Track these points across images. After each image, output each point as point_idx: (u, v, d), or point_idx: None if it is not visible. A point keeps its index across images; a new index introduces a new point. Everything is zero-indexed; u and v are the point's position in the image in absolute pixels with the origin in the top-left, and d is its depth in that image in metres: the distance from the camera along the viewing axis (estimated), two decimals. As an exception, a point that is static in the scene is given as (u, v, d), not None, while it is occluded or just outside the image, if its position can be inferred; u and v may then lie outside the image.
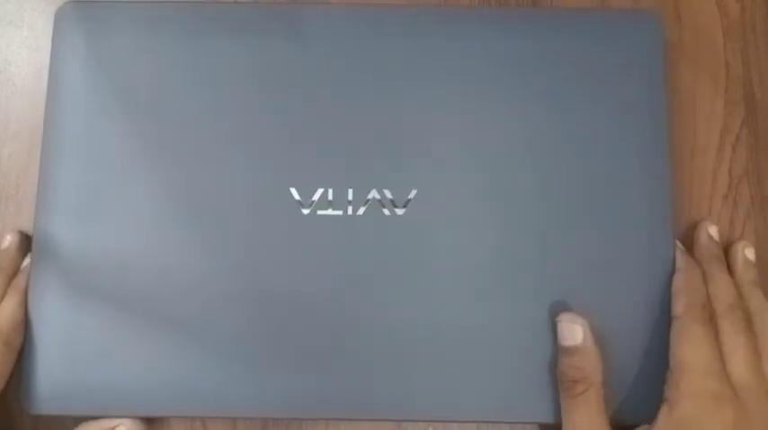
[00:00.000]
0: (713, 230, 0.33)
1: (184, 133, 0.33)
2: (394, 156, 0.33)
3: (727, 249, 0.33)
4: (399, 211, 0.32)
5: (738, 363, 0.29)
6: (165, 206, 0.32)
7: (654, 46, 0.34)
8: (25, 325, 0.31)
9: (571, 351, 0.30)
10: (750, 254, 0.33)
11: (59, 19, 0.34)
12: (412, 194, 0.32)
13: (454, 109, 0.33)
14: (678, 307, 0.31)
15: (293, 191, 0.32)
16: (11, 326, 0.30)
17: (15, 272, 0.32)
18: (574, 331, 0.30)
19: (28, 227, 0.33)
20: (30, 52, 0.37)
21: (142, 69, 0.34)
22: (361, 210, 0.32)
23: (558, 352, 0.31)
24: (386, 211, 0.32)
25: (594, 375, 0.29)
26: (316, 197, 0.32)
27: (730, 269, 0.33)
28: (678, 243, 0.32)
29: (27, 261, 0.33)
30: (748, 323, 0.30)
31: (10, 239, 0.33)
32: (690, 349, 0.29)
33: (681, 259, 0.32)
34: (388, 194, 0.32)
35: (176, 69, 0.34)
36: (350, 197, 0.32)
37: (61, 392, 0.31)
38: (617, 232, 0.32)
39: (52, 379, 0.30)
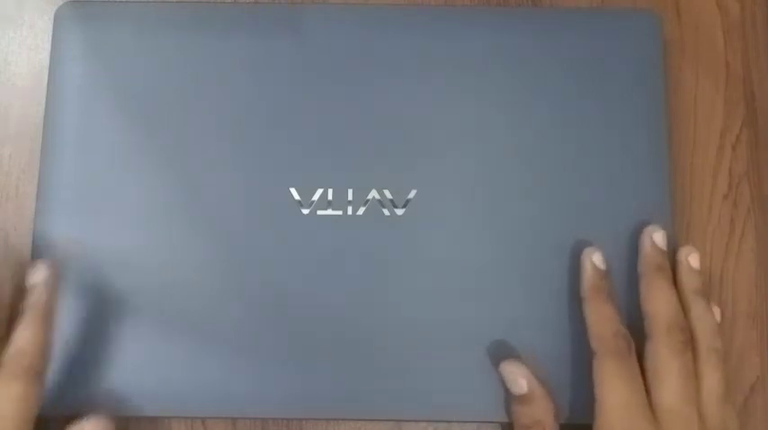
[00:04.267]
0: (659, 237, 0.31)
1: (184, 133, 0.33)
2: (394, 156, 0.33)
3: (672, 256, 0.32)
4: (399, 211, 0.32)
5: (669, 391, 0.28)
6: (165, 206, 0.32)
7: (654, 46, 0.34)
8: (50, 350, 0.29)
9: (519, 399, 0.29)
10: (694, 261, 0.31)
11: (59, 19, 0.34)
12: (412, 194, 0.32)
13: (454, 108, 0.33)
14: (591, 342, 0.29)
15: (293, 191, 0.32)
16: (35, 352, 0.28)
17: (51, 308, 0.30)
18: (518, 382, 0.29)
19: (28, 226, 0.33)
20: (30, 52, 0.37)
21: (142, 69, 0.34)
22: (361, 210, 0.32)
23: (508, 396, 0.30)
24: (386, 211, 0.32)
25: (546, 417, 0.29)
26: (316, 197, 0.32)
27: (674, 278, 0.31)
28: (587, 256, 0.30)
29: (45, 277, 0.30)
30: (686, 345, 0.29)
31: (44, 275, 0.30)
32: (604, 388, 0.28)
33: (584, 288, 0.30)
34: (387, 194, 0.32)
35: (176, 69, 0.34)
36: (350, 197, 0.32)
37: (60, 392, 0.30)
38: (617, 233, 0.32)
39: (51, 379, 0.30)
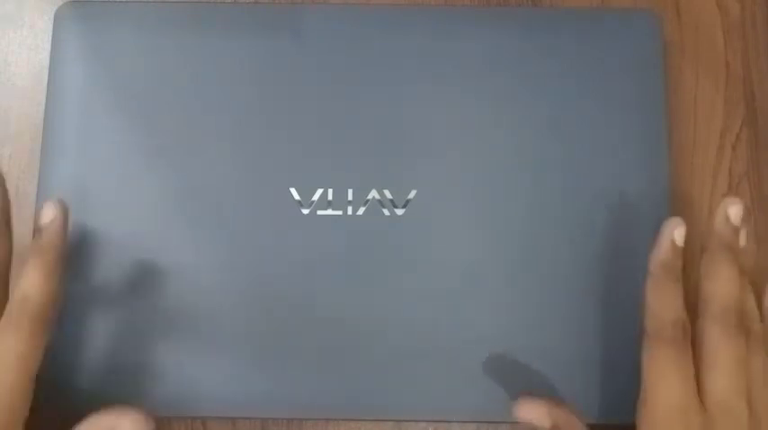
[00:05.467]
0: (734, 211, 0.28)
1: (184, 133, 0.33)
2: (394, 156, 0.33)
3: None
4: (399, 211, 0.32)
5: (720, 380, 0.26)
6: (165, 206, 0.32)
7: (654, 46, 0.34)
8: (59, 299, 0.27)
9: None
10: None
11: (59, 19, 0.34)
12: (412, 194, 0.32)
13: (454, 109, 0.33)
14: (647, 323, 0.28)
15: (293, 191, 0.32)
16: (42, 299, 0.27)
17: (61, 254, 0.28)
18: (541, 423, 0.28)
19: (28, 227, 0.33)
20: (30, 52, 0.37)
21: (142, 69, 0.34)
22: (361, 210, 0.32)
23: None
24: (386, 211, 0.32)
25: None
26: (316, 197, 0.32)
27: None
28: (669, 228, 0.28)
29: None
30: (740, 330, 0.27)
31: (53, 215, 0.28)
32: (656, 378, 0.27)
33: (655, 262, 0.28)
34: (387, 194, 0.32)
35: (176, 69, 0.34)
36: (350, 197, 0.32)
37: (59, 393, 0.30)
38: (617, 233, 0.32)
39: (51, 379, 0.30)
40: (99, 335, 0.31)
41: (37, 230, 0.28)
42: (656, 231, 0.31)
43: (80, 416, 0.31)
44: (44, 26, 0.37)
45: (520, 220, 0.32)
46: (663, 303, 0.28)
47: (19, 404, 0.26)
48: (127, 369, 0.31)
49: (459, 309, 0.32)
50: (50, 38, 0.34)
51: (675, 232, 0.28)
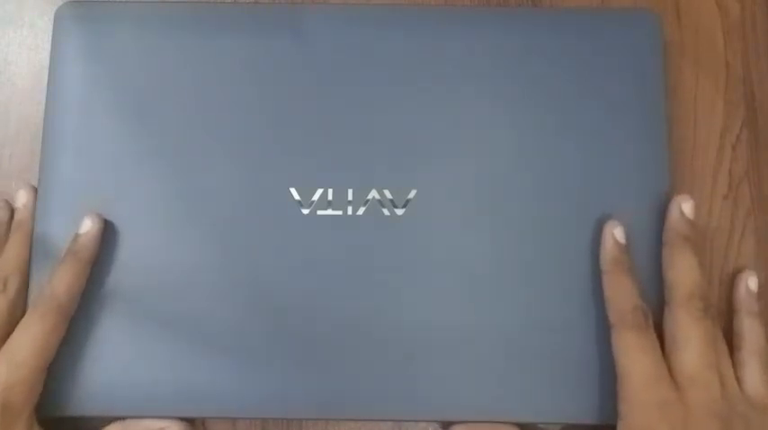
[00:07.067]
0: (687, 207, 0.31)
1: (184, 133, 0.33)
2: (394, 156, 0.33)
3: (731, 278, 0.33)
4: (399, 211, 0.32)
5: (690, 357, 0.28)
6: (165, 206, 0.32)
7: (654, 46, 0.34)
8: (79, 295, 0.31)
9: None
10: (753, 283, 0.32)
11: (59, 19, 0.34)
12: (412, 194, 0.32)
13: (454, 109, 0.33)
14: (609, 315, 0.30)
15: (293, 191, 0.32)
16: (68, 297, 0.30)
17: (91, 260, 0.31)
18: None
19: (28, 227, 0.33)
20: (30, 52, 0.37)
21: (142, 69, 0.34)
22: (361, 210, 0.32)
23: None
24: (386, 211, 0.32)
25: None
26: (316, 197, 0.32)
27: (732, 299, 0.32)
28: (609, 230, 0.31)
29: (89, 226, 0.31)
30: (706, 312, 0.29)
31: (89, 227, 0.31)
32: (626, 360, 0.29)
33: (604, 261, 0.31)
34: (387, 194, 0.32)
35: (176, 69, 0.34)
36: (350, 197, 0.32)
37: (59, 393, 0.30)
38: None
39: (49, 380, 0.30)
40: (99, 336, 0.31)
41: (74, 237, 0.31)
42: (656, 232, 0.32)
43: (79, 418, 0.31)
44: (44, 26, 0.37)
45: (519, 220, 0.32)
46: (620, 294, 0.30)
47: (34, 383, 0.29)
48: (127, 369, 0.31)
49: (458, 308, 0.32)
50: (50, 38, 0.34)
51: (615, 231, 0.31)
